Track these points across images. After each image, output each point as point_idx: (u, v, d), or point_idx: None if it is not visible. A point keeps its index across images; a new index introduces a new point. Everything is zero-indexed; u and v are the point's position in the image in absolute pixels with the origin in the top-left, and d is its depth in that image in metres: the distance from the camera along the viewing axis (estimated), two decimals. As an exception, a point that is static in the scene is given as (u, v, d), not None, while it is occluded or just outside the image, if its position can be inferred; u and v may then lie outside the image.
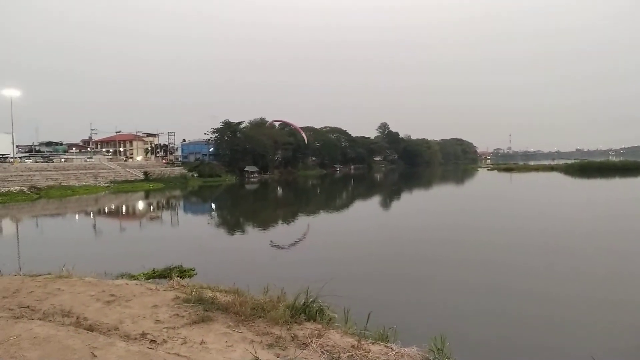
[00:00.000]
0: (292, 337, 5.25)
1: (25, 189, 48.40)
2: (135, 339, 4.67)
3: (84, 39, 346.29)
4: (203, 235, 26.66)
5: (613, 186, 57.51)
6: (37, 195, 47.80)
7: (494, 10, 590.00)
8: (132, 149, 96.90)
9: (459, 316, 10.87)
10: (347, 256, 18.72)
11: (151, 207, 46.21)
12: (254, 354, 4.49)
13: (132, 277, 10.54)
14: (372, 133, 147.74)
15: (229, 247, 22.63)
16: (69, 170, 61.39)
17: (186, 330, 5.17)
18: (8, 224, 33.94)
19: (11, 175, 51.96)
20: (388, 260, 18.03)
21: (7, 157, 62.82)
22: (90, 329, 4.63)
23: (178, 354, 4.19)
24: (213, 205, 48.34)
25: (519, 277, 14.77)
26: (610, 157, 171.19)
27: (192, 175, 76.27)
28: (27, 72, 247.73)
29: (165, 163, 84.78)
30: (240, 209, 43.42)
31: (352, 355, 4.77)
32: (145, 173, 69.52)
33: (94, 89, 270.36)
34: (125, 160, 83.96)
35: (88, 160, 73.95)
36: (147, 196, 54.88)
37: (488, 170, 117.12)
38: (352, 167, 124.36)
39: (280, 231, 28.79)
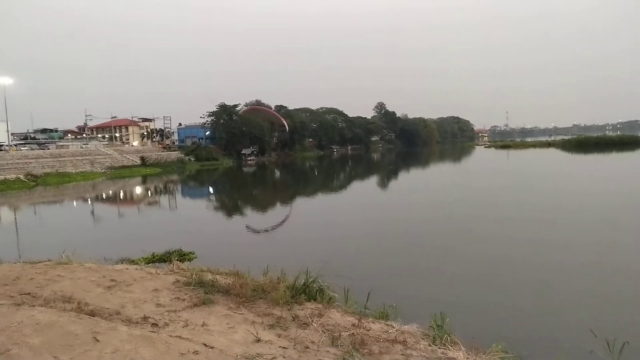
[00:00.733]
0: (293, 317, 5.30)
1: (22, 176, 48.10)
2: (137, 323, 4.69)
3: (81, 29, 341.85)
4: (202, 219, 26.69)
5: (611, 160, 57.64)
6: (34, 183, 47.58)
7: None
8: (128, 135, 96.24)
9: (461, 293, 10.90)
10: (345, 236, 18.82)
11: (149, 192, 46.12)
12: (256, 335, 4.53)
13: (132, 261, 10.55)
14: (369, 113, 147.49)
15: (228, 230, 22.70)
16: (65, 157, 60.98)
17: (187, 313, 5.20)
18: (6, 212, 33.86)
19: (7, 163, 51.66)
20: (387, 239, 18.13)
21: (2, 145, 62.32)
22: (92, 314, 4.64)
23: (180, 337, 4.22)
24: (211, 189, 48.31)
25: (519, 248, 14.90)
26: (607, 132, 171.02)
27: (189, 160, 75.98)
28: (18, 61, 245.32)
29: (162, 148, 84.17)
30: (239, 192, 43.41)
31: (353, 333, 4.81)
32: (142, 158, 69.15)
33: (90, 78, 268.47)
34: (122, 146, 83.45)
35: (84, 146, 73.37)
36: (144, 181, 54.72)
37: (485, 147, 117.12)
38: (350, 147, 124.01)
39: (278, 213, 28.85)
